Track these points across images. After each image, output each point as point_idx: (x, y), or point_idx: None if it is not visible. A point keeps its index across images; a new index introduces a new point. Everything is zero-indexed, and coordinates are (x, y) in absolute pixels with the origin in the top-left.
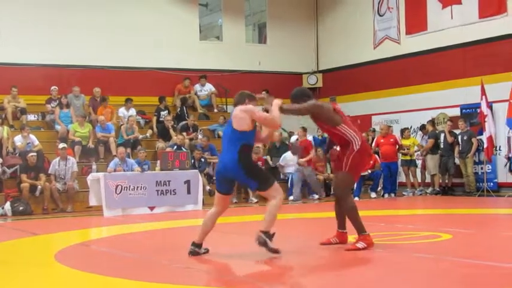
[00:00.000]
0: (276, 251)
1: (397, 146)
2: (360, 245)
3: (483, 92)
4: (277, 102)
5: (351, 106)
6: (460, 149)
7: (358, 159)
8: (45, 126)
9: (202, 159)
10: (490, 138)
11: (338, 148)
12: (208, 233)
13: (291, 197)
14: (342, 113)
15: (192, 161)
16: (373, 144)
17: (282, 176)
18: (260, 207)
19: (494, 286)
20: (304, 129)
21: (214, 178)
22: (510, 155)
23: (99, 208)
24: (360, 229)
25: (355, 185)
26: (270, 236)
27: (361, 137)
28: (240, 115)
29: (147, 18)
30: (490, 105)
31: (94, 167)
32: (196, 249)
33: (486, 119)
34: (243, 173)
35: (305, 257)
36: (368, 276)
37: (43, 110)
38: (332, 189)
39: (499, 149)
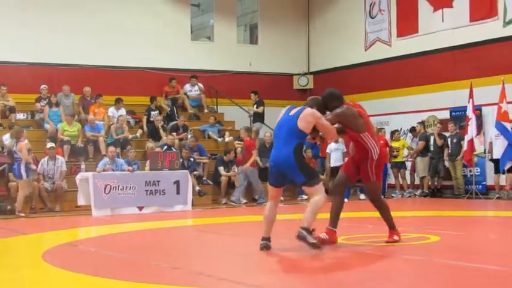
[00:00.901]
0: (316, 246)
1: (387, 148)
2: (396, 237)
3: (471, 95)
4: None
5: None
6: (450, 151)
7: (378, 166)
8: (34, 125)
9: (191, 159)
10: (470, 142)
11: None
12: (273, 225)
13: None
14: (364, 115)
15: (181, 160)
16: None
17: None
18: (249, 208)
19: None
20: (248, 130)
21: (204, 179)
22: (490, 158)
23: (87, 208)
24: (392, 226)
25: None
26: (310, 232)
27: (379, 144)
28: (309, 119)
29: (138, 17)
30: (478, 109)
31: (83, 166)
32: (268, 243)
33: (469, 123)
34: (295, 166)
35: (294, 257)
36: (355, 278)
37: (32, 108)
38: (366, 195)
39: (488, 152)
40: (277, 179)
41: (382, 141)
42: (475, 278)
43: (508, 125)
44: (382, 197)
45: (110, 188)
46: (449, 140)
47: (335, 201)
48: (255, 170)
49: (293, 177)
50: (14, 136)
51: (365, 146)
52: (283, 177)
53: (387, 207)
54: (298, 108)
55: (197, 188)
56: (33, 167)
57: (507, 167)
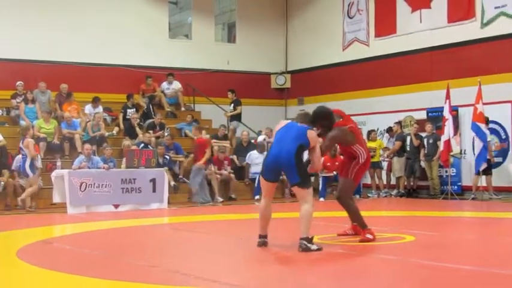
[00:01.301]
0: (320, 249)
1: None
2: (369, 236)
3: (447, 96)
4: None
5: None
6: (426, 151)
7: (362, 169)
8: (9, 122)
9: (167, 157)
10: (447, 143)
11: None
12: (269, 222)
13: (257, 197)
14: (355, 129)
15: (156, 157)
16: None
17: (250, 176)
18: (225, 206)
19: None
20: (199, 128)
21: (180, 177)
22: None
23: (63, 205)
24: (362, 225)
25: (320, 186)
26: (310, 240)
27: (367, 150)
28: (315, 139)
29: (116, 15)
30: (455, 110)
31: (58, 163)
32: (265, 240)
33: (446, 123)
34: (293, 164)
35: (271, 256)
36: (332, 277)
37: (8, 105)
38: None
39: (464, 153)
40: (272, 173)
41: None
42: (450, 278)
43: (483, 126)
44: (358, 196)
45: (86, 185)
46: (425, 140)
47: (350, 204)
48: (202, 169)
49: (288, 176)
50: (21, 133)
51: (354, 154)
52: (278, 173)
53: (356, 208)
54: (307, 126)
55: (172, 182)
56: (38, 163)
57: (482, 168)
